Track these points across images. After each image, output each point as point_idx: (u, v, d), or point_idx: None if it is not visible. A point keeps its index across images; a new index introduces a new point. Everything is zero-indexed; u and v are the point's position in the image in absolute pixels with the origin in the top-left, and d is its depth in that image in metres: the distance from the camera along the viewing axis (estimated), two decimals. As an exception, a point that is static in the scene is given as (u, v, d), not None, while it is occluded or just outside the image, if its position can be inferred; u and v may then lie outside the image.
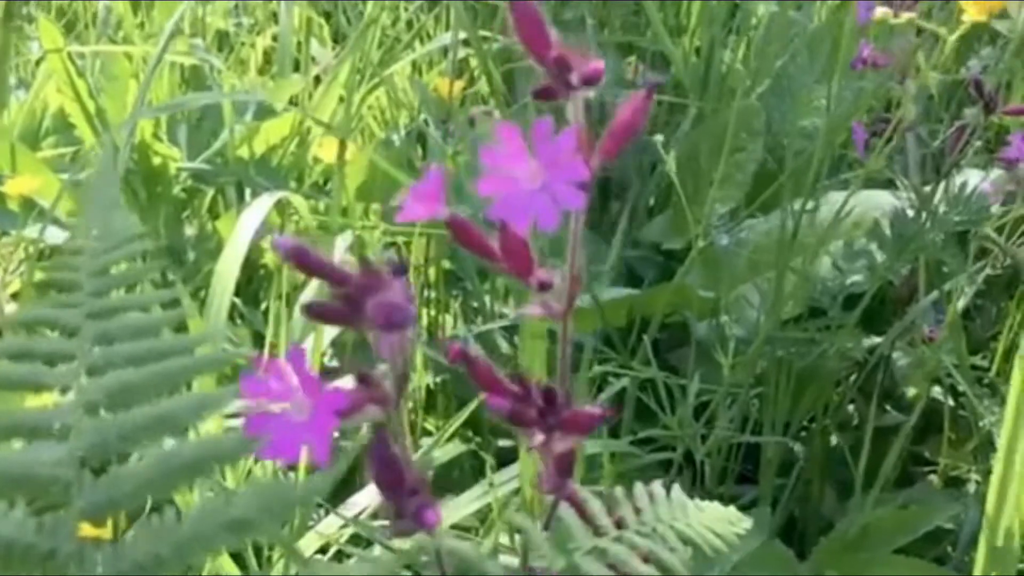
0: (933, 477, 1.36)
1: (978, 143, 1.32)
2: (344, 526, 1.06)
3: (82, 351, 0.59)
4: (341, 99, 1.68)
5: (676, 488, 0.71)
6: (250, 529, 0.53)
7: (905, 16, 1.12)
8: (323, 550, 1.07)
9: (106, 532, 0.77)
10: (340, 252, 1.24)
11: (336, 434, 0.50)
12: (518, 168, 0.52)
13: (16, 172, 1.34)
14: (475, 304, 1.46)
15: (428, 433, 1.30)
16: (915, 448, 1.37)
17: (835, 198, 1.30)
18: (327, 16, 2.07)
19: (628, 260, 1.52)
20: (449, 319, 1.48)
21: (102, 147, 1.41)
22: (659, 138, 1.29)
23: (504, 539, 1.07)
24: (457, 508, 1.09)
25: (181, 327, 0.62)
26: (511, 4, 0.58)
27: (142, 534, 0.53)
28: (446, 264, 1.42)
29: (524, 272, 0.61)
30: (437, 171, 0.58)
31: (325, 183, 1.57)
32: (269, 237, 1.44)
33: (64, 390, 0.58)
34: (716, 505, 0.71)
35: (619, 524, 0.67)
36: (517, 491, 1.05)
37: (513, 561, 0.90)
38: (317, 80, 1.72)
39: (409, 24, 1.90)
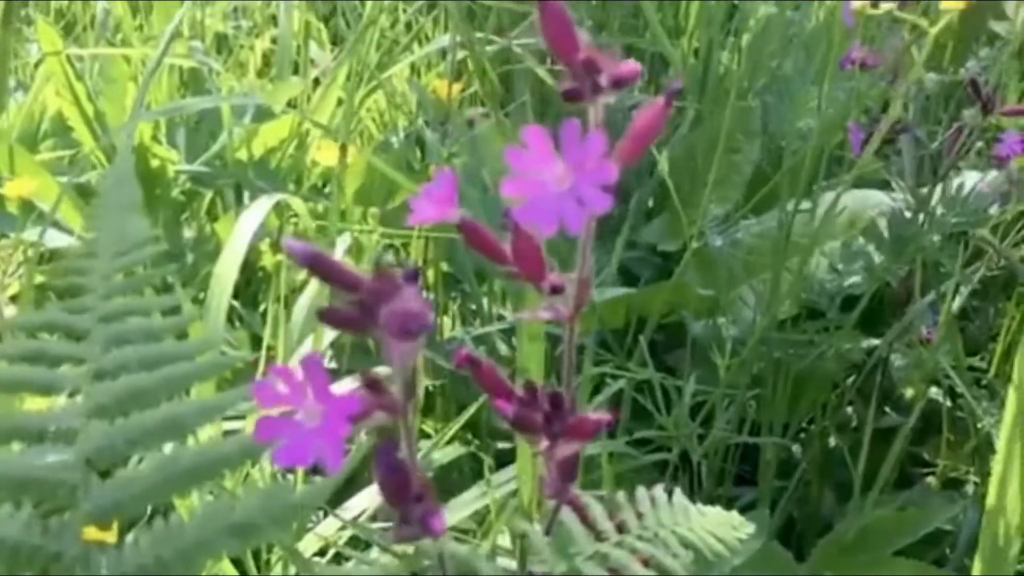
0: (932, 479, 1.36)
1: (976, 144, 1.32)
2: (342, 528, 1.06)
3: (91, 355, 0.60)
4: (340, 101, 1.69)
5: (678, 492, 0.71)
6: (253, 533, 0.53)
7: (884, 6, 1.11)
8: (322, 552, 1.07)
9: (111, 535, 0.78)
10: (339, 255, 1.24)
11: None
12: (545, 171, 0.52)
13: (15, 175, 1.34)
14: (473, 306, 1.46)
15: (426, 436, 1.30)
16: (914, 449, 1.37)
17: (831, 199, 1.30)
18: (326, 19, 2.07)
19: (625, 261, 1.52)
20: (447, 321, 1.49)
21: (110, 150, 1.41)
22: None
23: (503, 541, 1.07)
24: (455, 510, 1.09)
25: (181, 332, 0.62)
26: (540, 5, 0.58)
27: (146, 538, 0.53)
28: (444, 266, 1.42)
29: (536, 276, 0.61)
30: (448, 174, 0.58)
31: (324, 185, 1.57)
32: (267, 239, 1.44)
33: (73, 393, 0.58)
34: (718, 510, 0.71)
35: (621, 529, 0.67)
36: (515, 493, 1.05)
37: (511, 563, 0.91)
38: (316, 82, 1.72)
39: (408, 26, 1.90)
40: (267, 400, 0.48)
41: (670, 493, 0.71)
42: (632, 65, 0.56)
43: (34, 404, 0.93)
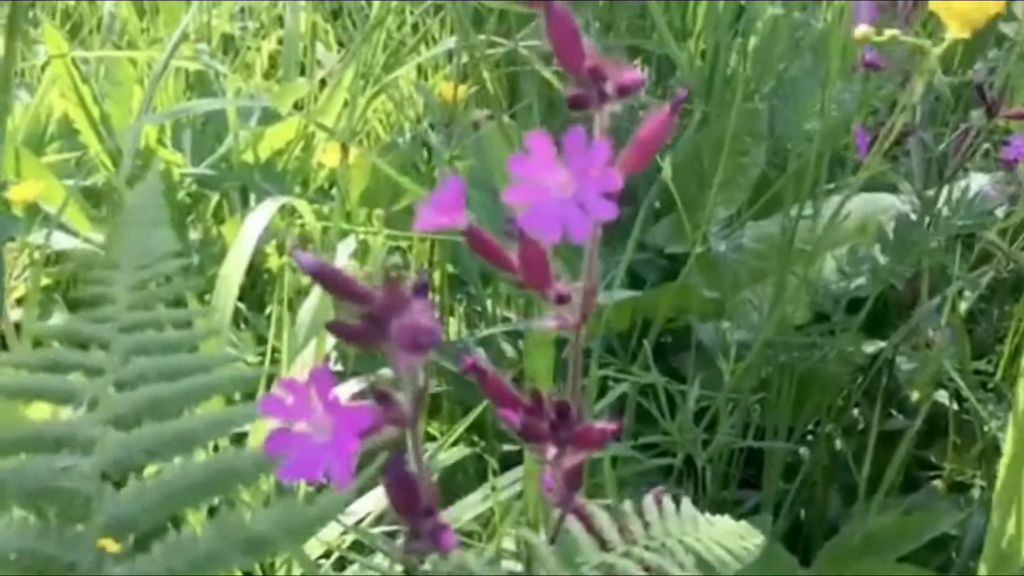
0: (938, 482, 1.36)
1: (983, 147, 1.32)
2: (345, 533, 1.06)
3: (111, 365, 0.60)
4: (346, 103, 1.69)
5: (686, 502, 0.70)
6: (267, 547, 0.53)
7: (888, 33, 1.11)
8: (325, 556, 1.07)
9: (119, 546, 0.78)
10: (343, 258, 1.24)
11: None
12: (549, 177, 0.51)
13: (21, 177, 1.34)
14: (479, 308, 1.46)
15: (432, 438, 1.30)
16: (920, 453, 1.37)
17: (838, 203, 1.30)
18: (334, 16, 2.07)
19: (632, 263, 1.52)
20: (453, 323, 1.49)
21: (116, 153, 1.41)
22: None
23: (507, 544, 1.07)
24: (460, 512, 1.09)
25: (195, 345, 0.62)
26: (546, 11, 0.58)
27: (158, 549, 0.53)
28: (450, 268, 1.42)
29: (542, 284, 0.60)
30: (456, 180, 0.58)
31: (330, 187, 1.57)
32: (273, 242, 1.44)
33: (92, 403, 0.58)
34: (726, 519, 0.71)
35: (627, 538, 0.67)
36: (520, 496, 1.05)
37: (516, 567, 0.91)
38: (323, 84, 1.72)
39: (414, 28, 1.90)
40: (275, 413, 0.48)
41: (677, 502, 0.71)
42: (636, 73, 0.55)
43: (39, 412, 0.94)
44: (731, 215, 1.47)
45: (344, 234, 1.28)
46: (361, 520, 1.07)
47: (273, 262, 1.41)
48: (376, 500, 1.11)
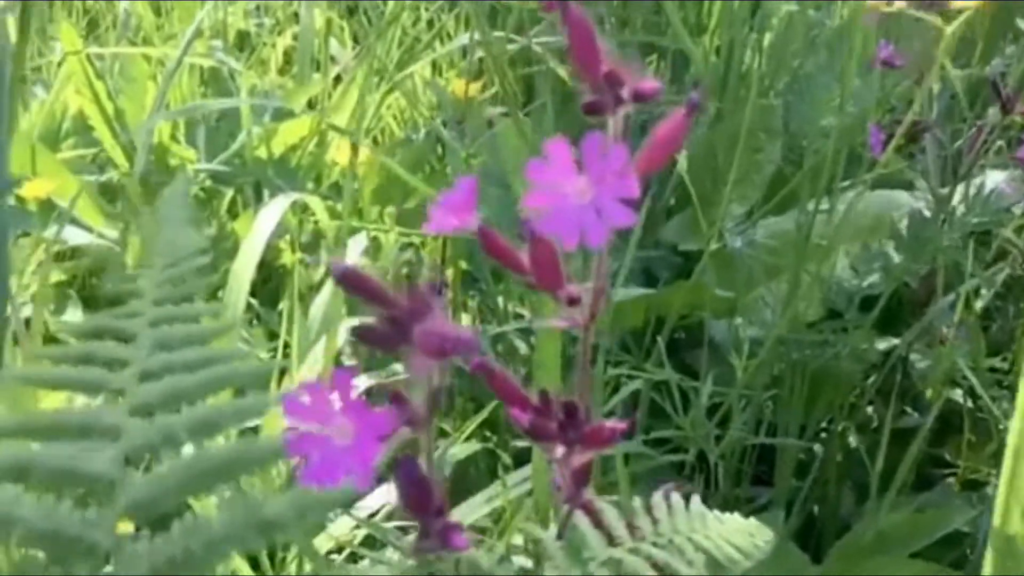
0: (952, 480, 1.36)
1: (999, 143, 1.31)
2: (357, 527, 1.06)
3: (138, 358, 0.61)
4: (360, 99, 1.69)
5: (695, 499, 0.70)
6: (279, 530, 0.55)
7: (897, 5, 1.10)
8: (336, 551, 1.07)
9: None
10: (355, 255, 1.24)
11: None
12: (567, 183, 0.52)
13: (36, 173, 1.35)
14: (491, 305, 1.46)
15: (444, 434, 1.30)
16: (934, 451, 1.37)
17: (852, 200, 1.29)
18: (350, 13, 2.07)
19: (645, 260, 1.52)
20: (465, 319, 1.49)
21: (130, 148, 1.42)
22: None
23: (518, 540, 1.07)
24: (471, 509, 1.09)
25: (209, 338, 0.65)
26: (563, 14, 0.58)
27: (176, 530, 0.55)
28: (463, 265, 1.42)
29: (554, 286, 0.61)
30: (468, 181, 0.59)
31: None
32: (288, 236, 1.45)
33: (118, 394, 0.60)
34: (736, 516, 0.70)
35: (635, 534, 0.67)
36: (531, 492, 1.05)
37: (527, 563, 0.91)
38: (337, 81, 1.73)
39: (430, 24, 1.90)
40: (297, 415, 0.48)
41: (687, 498, 0.71)
42: (653, 81, 0.55)
43: (54, 401, 0.95)
44: (745, 212, 1.47)
45: (355, 231, 1.28)
46: (373, 515, 1.07)
47: (286, 258, 1.41)
48: (387, 495, 1.11)
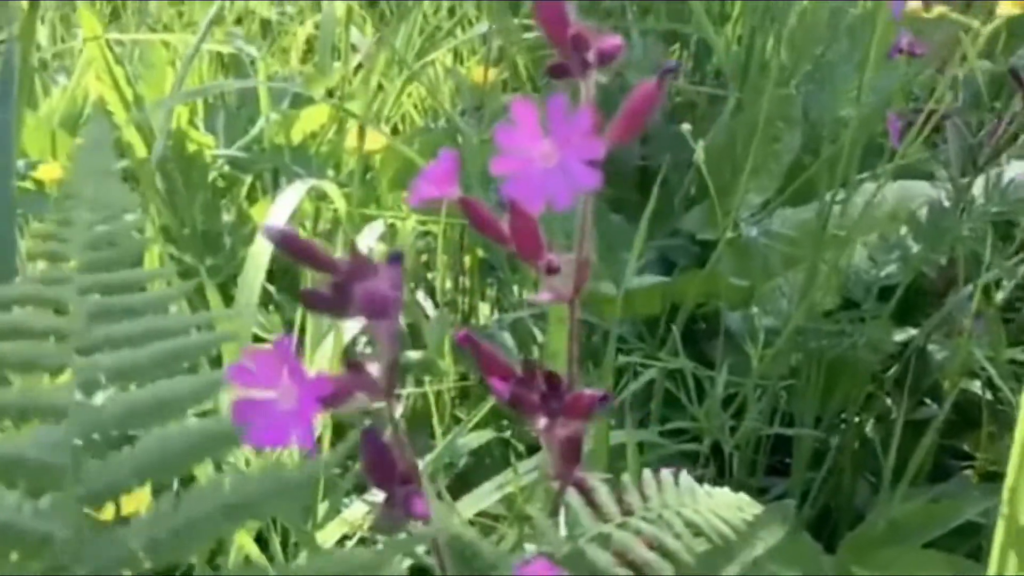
0: (970, 472, 1.35)
1: (1020, 136, 1.30)
2: (370, 512, 1.06)
3: (75, 329, 0.58)
4: (380, 87, 1.69)
5: (684, 474, 0.70)
6: (247, 514, 0.53)
7: (937, 10, 1.10)
8: (348, 537, 1.07)
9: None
10: (371, 241, 1.24)
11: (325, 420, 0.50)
12: (532, 147, 0.52)
13: (56, 158, 1.35)
14: (508, 292, 1.46)
15: (459, 421, 1.30)
16: (954, 442, 1.36)
17: (872, 189, 1.29)
18: (371, 1, 2.07)
19: (664, 249, 1.52)
20: (484, 308, 1.49)
21: (149, 134, 1.42)
22: (687, 127, 1.28)
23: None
24: (482, 497, 1.09)
25: (163, 307, 0.61)
26: None
27: (140, 520, 0.53)
28: (480, 253, 1.42)
29: (533, 254, 0.61)
30: (450, 154, 0.59)
31: (364, 172, 1.57)
32: (305, 224, 1.45)
33: (57, 370, 0.58)
34: (725, 491, 0.70)
35: (626, 510, 0.67)
36: (542, 480, 1.05)
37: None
38: (358, 68, 1.73)
39: (451, 11, 1.90)
40: (243, 382, 0.48)
41: (676, 475, 0.71)
42: (616, 40, 0.55)
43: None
44: (763, 202, 1.46)
45: (371, 218, 1.28)
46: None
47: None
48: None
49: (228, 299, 1.17)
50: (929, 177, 1.38)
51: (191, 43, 1.36)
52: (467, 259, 1.40)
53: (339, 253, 0.54)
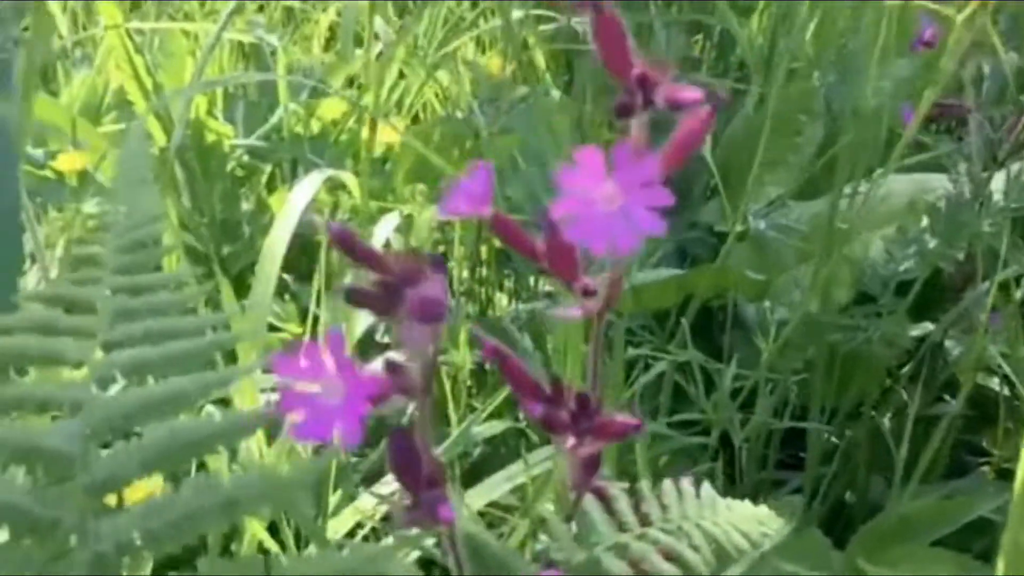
0: (986, 468, 1.35)
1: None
2: (381, 503, 1.07)
3: (100, 328, 0.60)
4: (402, 75, 1.69)
5: (706, 485, 0.70)
6: (243, 510, 0.54)
7: None
8: (359, 526, 1.08)
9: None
10: (387, 232, 1.25)
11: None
12: (595, 190, 0.52)
13: (76, 146, 1.36)
14: (526, 283, 1.46)
15: (475, 410, 1.31)
16: (972, 438, 1.35)
17: (891, 181, 1.28)
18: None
19: (682, 241, 1.52)
20: (502, 298, 1.49)
21: (168, 123, 1.43)
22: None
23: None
24: (494, 487, 1.09)
25: (187, 308, 0.63)
26: (593, 14, 0.57)
27: (139, 509, 0.54)
28: (497, 243, 1.42)
29: (569, 277, 0.61)
30: (485, 167, 0.59)
31: (384, 162, 1.58)
32: (323, 213, 1.46)
33: (78, 365, 0.60)
34: (746, 504, 0.70)
35: (644, 520, 0.67)
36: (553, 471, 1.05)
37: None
38: (380, 57, 1.73)
39: (474, 2, 1.90)
40: (290, 374, 0.49)
41: (710, 477, 0.71)
42: (695, 92, 0.54)
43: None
44: (781, 194, 1.46)
45: (388, 209, 1.29)
46: (395, 492, 1.08)
47: (322, 234, 1.42)
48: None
49: (245, 288, 1.18)
50: (947, 170, 1.37)
51: (212, 32, 1.37)
52: (484, 249, 1.41)
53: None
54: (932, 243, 1.23)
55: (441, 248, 1.46)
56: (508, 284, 1.49)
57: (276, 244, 1.19)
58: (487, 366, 1.39)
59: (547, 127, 1.38)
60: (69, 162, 1.22)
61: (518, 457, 1.13)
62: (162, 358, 0.59)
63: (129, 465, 0.56)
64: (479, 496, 1.08)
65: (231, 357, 1.08)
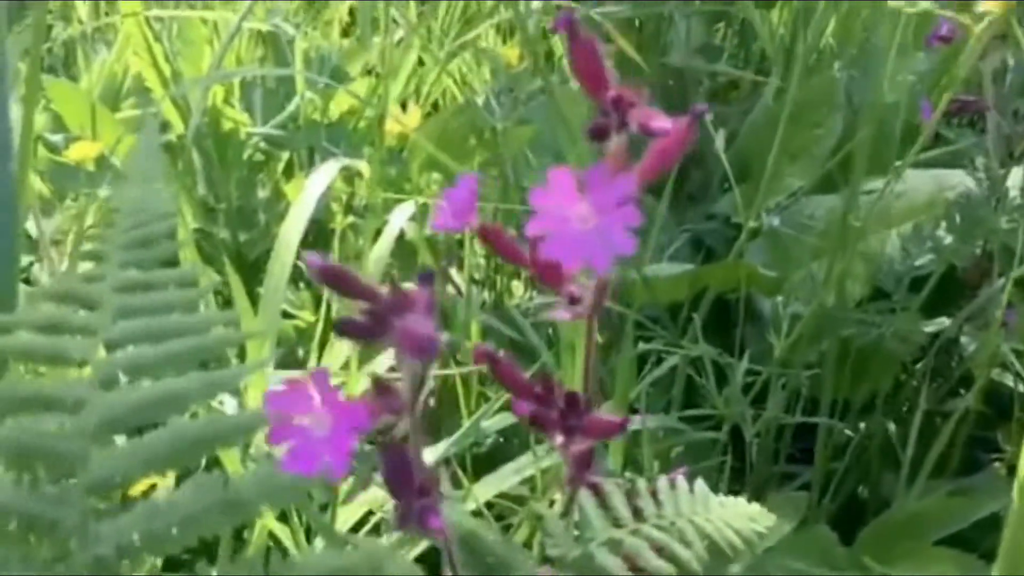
0: (999, 464, 1.34)
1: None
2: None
3: (103, 325, 0.61)
4: (421, 62, 1.69)
5: (699, 482, 0.71)
6: (244, 511, 0.55)
7: (922, 4, 1.09)
8: (373, 512, 1.09)
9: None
10: (402, 221, 1.25)
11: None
12: (569, 209, 0.52)
13: (95, 132, 1.37)
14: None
15: (487, 399, 1.31)
16: (986, 434, 1.35)
17: (910, 176, 1.28)
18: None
19: (699, 233, 1.52)
20: (519, 286, 1.49)
21: (186, 110, 1.44)
22: (708, 116, 1.28)
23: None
24: (503, 479, 1.09)
25: (191, 306, 0.63)
26: (569, 38, 0.58)
27: (141, 509, 0.55)
28: (514, 232, 1.42)
29: (556, 284, 0.62)
30: (470, 180, 0.60)
31: (402, 151, 1.58)
32: (343, 198, 1.46)
33: (82, 363, 0.60)
34: (740, 501, 0.71)
35: (638, 516, 0.68)
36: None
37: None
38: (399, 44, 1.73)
39: (493, -10, 1.89)
40: (281, 407, 0.49)
41: (691, 481, 0.71)
42: (666, 122, 0.55)
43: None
44: (801, 187, 1.45)
45: (401, 200, 1.29)
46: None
47: (339, 221, 1.42)
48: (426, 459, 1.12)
49: (260, 275, 1.18)
50: (968, 166, 1.36)
51: (230, 20, 1.37)
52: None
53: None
54: (948, 239, 1.22)
55: (458, 235, 1.46)
56: (525, 272, 1.49)
57: (291, 232, 1.20)
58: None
59: (564, 119, 1.38)
60: (84, 150, 1.23)
61: (529, 448, 1.14)
62: (164, 357, 0.60)
63: (132, 464, 0.56)
64: (489, 487, 1.08)
65: (241, 357, 1.08)
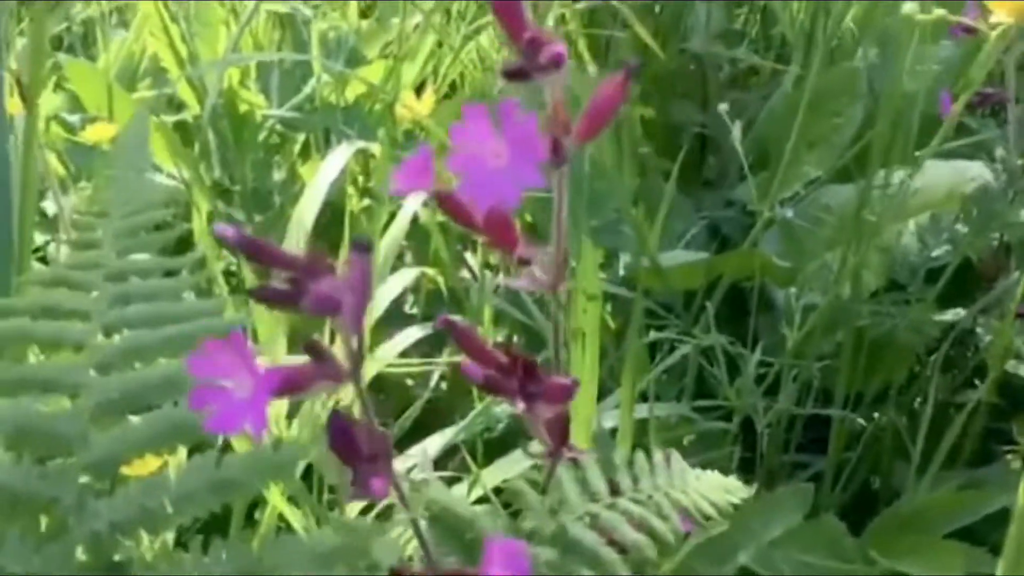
0: (1013, 456, 1.34)
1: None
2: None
3: (98, 311, 0.62)
4: (439, 44, 1.69)
5: (676, 455, 0.71)
6: (235, 489, 0.56)
7: (936, 13, 1.08)
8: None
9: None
10: (415, 206, 1.25)
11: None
12: (484, 147, 0.53)
13: (112, 112, 1.37)
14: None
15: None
16: (1001, 426, 1.35)
17: (930, 168, 1.27)
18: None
19: (716, 220, 1.51)
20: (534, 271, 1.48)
21: (202, 91, 1.44)
22: (723, 107, 1.28)
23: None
24: (513, 463, 1.09)
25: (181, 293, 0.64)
26: None
27: (136, 487, 0.55)
28: (528, 218, 1.42)
29: (508, 246, 0.62)
30: (426, 147, 0.61)
31: (418, 133, 1.57)
32: (360, 180, 1.46)
33: (78, 348, 0.61)
34: (715, 474, 0.71)
35: (615, 490, 0.68)
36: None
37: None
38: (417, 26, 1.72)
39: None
40: (203, 372, 0.50)
41: (669, 456, 0.71)
42: (560, 48, 0.57)
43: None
44: (819, 176, 1.45)
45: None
46: (411, 469, 1.09)
47: (355, 203, 1.42)
48: (431, 447, 1.13)
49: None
50: (987, 158, 1.35)
51: (247, 1, 1.37)
52: (517, 222, 1.40)
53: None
54: (964, 231, 1.22)
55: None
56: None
57: (306, 213, 1.20)
58: (515, 340, 1.39)
59: (577, 102, 1.37)
60: (101, 131, 1.23)
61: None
62: (158, 342, 0.61)
63: (128, 445, 0.57)
64: (498, 472, 1.08)
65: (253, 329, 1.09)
